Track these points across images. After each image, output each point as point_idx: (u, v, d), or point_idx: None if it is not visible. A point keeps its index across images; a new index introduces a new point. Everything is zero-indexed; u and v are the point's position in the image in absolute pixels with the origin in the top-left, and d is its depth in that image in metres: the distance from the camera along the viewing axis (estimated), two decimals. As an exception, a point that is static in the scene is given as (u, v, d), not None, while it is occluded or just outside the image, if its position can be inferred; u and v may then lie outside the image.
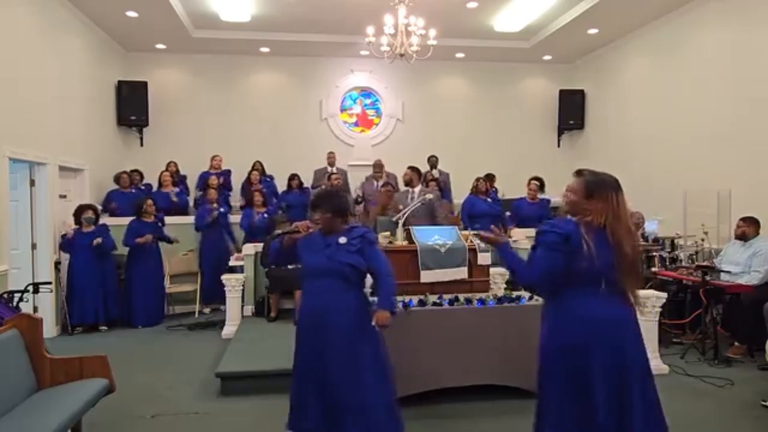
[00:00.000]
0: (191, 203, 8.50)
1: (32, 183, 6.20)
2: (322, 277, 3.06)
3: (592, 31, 8.39)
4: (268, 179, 8.82)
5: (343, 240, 3.12)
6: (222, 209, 7.57)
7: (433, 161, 8.96)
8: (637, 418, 2.41)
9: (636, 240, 2.53)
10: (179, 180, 8.58)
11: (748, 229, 5.49)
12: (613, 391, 2.41)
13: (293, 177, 8.50)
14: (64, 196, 6.95)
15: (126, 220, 6.99)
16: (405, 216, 5.06)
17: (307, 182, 8.68)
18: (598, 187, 2.50)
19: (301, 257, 3.15)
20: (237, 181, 8.85)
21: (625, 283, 2.46)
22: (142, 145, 9.30)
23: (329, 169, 8.75)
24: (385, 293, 3.12)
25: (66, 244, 6.44)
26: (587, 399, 2.41)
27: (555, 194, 8.08)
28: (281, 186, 8.78)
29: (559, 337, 2.49)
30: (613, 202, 2.47)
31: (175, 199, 8.05)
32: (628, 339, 2.46)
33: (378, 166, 8.79)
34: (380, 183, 8.46)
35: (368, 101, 10.28)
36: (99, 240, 6.43)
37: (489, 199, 7.74)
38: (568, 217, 2.56)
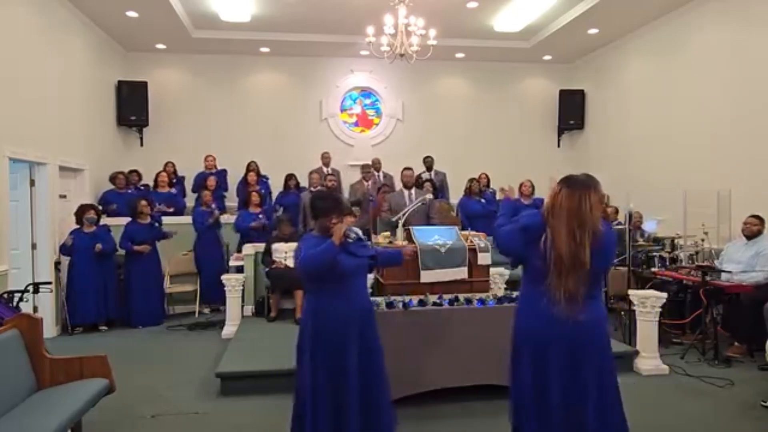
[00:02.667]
0: (189, 204, 8.46)
1: (32, 183, 6.20)
2: (354, 277, 3.09)
3: (592, 31, 8.39)
4: (264, 179, 8.79)
5: (351, 239, 3.10)
6: (217, 210, 7.58)
7: (428, 162, 8.93)
8: (585, 421, 2.41)
9: (581, 244, 2.35)
10: (177, 180, 8.57)
11: (761, 227, 5.48)
12: (548, 390, 2.44)
13: (290, 177, 8.44)
14: (64, 196, 6.95)
15: (124, 221, 6.98)
16: (405, 216, 5.06)
17: (303, 183, 8.59)
18: (559, 183, 2.49)
19: (339, 260, 3.01)
20: (233, 181, 8.84)
21: (557, 281, 2.37)
22: (142, 145, 9.31)
23: (325, 169, 8.66)
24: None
25: (65, 249, 6.43)
26: (521, 395, 2.54)
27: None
28: (276, 186, 8.76)
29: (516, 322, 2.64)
30: (558, 196, 2.43)
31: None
32: (567, 338, 2.42)
33: (366, 167, 8.70)
34: (370, 183, 8.46)
35: (368, 101, 10.28)
36: (100, 246, 6.44)
37: (483, 200, 7.77)
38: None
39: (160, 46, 9.03)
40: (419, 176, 8.40)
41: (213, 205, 7.48)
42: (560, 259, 2.36)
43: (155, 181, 8.18)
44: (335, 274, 2.98)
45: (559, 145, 10.40)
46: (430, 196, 6.10)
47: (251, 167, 8.61)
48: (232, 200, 8.80)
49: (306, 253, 2.96)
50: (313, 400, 2.96)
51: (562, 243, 2.35)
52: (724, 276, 5.40)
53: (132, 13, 7.46)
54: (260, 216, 7.31)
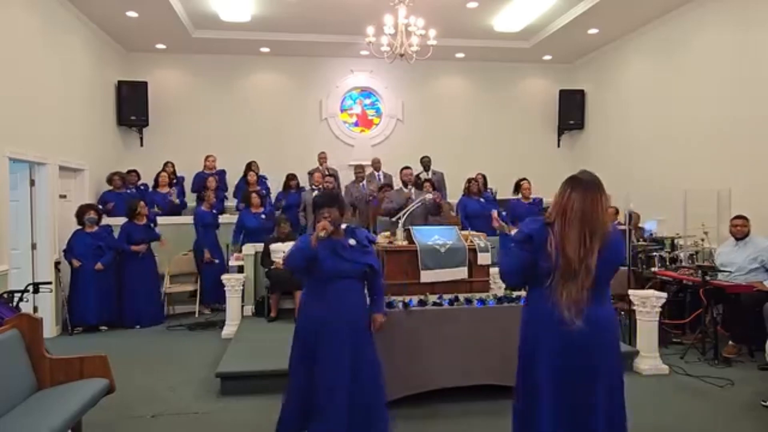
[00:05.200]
0: (189, 204, 8.46)
1: (32, 183, 6.20)
2: (343, 279, 3.07)
3: (592, 31, 8.39)
4: (263, 179, 8.77)
5: (352, 242, 3.14)
6: (214, 210, 7.59)
7: (426, 162, 8.90)
8: (595, 421, 2.33)
9: (590, 250, 2.26)
10: (176, 181, 8.57)
11: (748, 227, 5.50)
12: (561, 392, 2.35)
13: (292, 177, 8.45)
14: (64, 196, 6.95)
15: (122, 220, 6.99)
16: (405, 216, 5.06)
17: (302, 183, 8.60)
18: (563, 183, 2.40)
19: (320, 259, 3.04)
20: (232, 182, 8.84)
21: (561, 286, 2.27)
22: (142, 145, 9.30)
23: (321, 169, 8.55)
24: (381, 296, 3.29)
25: (69, 255, 6.46)
26: (534, 399, 2.40)
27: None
28: (274, 186, 8.74)
29: (521, 334, 2.54)
30: (564, 196, 2.33)
31: (177, 201, 8.07)
32: (578, 340, 2.31)
33: (359, 167, 8.69)
34: (364, 183, 8.45)
35: (368, 101, 10.28)
36: (100, 266, 6.47)
37: (482, 200, 7.76)
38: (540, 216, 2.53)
39: (160, 46, 9.03)
40: (418, 176, 8.40)
41: (213, 210, 7.49)
42: (568, 264, 2.27)
43: (156, 181, 8.19)
44: (314, 273, 3.06)
45: (559, 145, 10.40)
46: (429, 196, 6.09)
47: (252, 167, 8.59)
48: (230, 200, 8.79)
49: (291, 248, 3.12)
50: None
51: (572, 249, 2.26)
52: (722, 276, 5.40)
53: (132, 13, 7.46)
54: (263, 216, 7.30)
